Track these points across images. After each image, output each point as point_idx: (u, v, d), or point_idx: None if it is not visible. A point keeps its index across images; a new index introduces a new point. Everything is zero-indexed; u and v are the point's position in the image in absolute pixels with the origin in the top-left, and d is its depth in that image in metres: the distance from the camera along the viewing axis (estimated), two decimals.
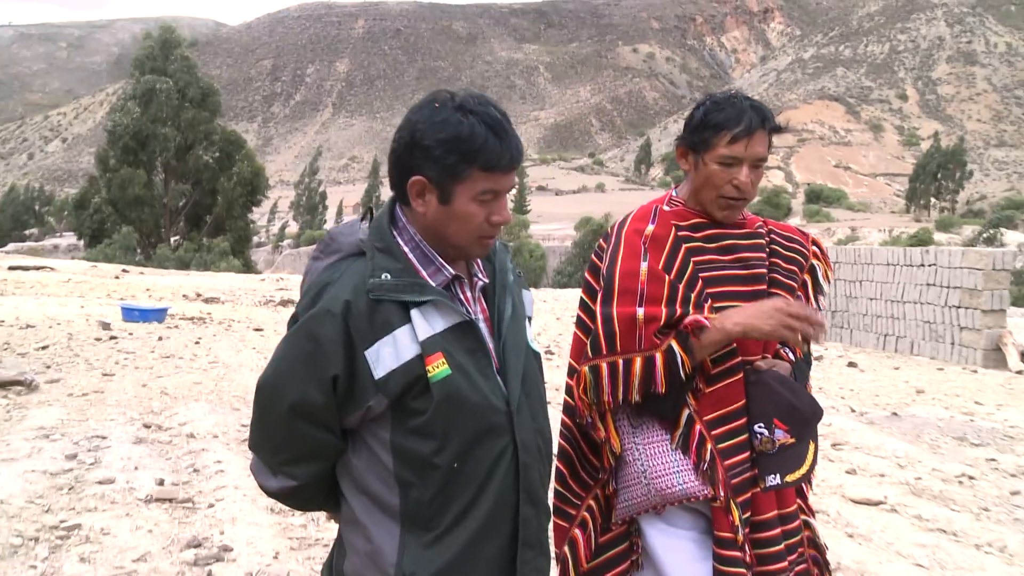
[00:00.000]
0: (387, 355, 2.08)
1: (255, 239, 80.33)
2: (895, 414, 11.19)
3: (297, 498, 2.29)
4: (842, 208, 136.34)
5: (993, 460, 8.82)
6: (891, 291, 18.63)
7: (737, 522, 2.67)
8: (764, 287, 2.85)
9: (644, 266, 2.71)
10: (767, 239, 2.95)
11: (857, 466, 8.59)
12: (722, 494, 2.65)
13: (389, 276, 2.12)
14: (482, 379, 2.20)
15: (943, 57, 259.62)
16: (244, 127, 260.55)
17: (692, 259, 2.77)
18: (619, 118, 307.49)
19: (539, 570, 2.32)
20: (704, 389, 2.70)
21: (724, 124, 2.72)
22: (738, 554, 2.65)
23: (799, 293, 2.90)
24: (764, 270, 2.88)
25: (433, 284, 2.20)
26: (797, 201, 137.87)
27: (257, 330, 16.98)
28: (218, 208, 54.56)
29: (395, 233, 2.25)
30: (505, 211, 2.27)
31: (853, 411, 11.38)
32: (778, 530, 2.76)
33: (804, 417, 2.72)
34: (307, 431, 2.13)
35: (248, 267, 50.59)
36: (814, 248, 3.06)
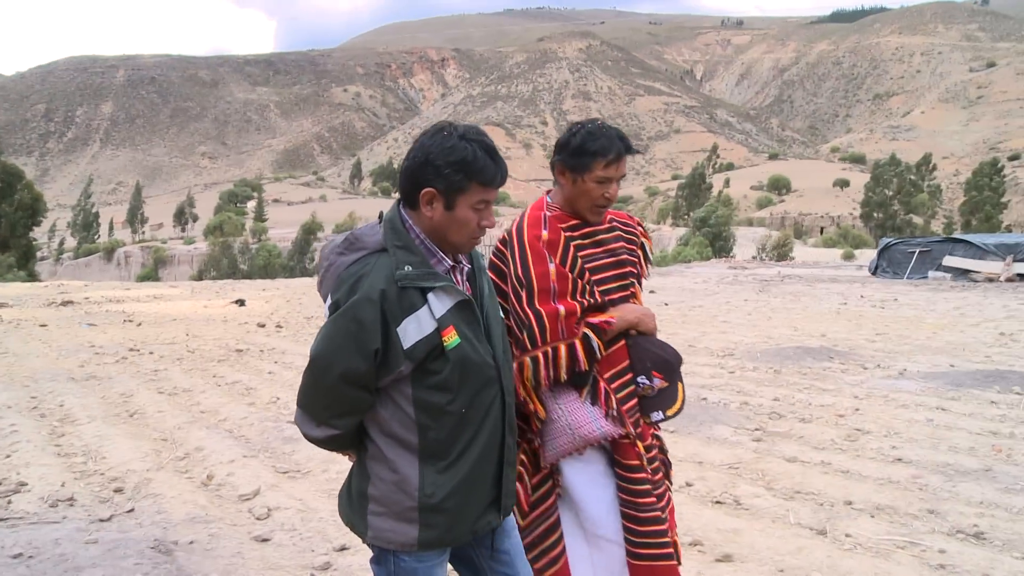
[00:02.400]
0: (412, 330, 2.24)
1: (39, 254, 76.23)
2: None
3: (335, 442, 2.39)
4: (507, 206, 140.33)
5: None
6: None
7: (642, 451, 2.84)
8: (628, 269, 2.99)
9: (552, 268, 2.79)
10: (613, 226, 3.04)
11: None
12: (632, 431, 2.83)
13: (411, 268, 2.28)
14: (479, 344, 2.39)
15: (569, 95, 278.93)
16: (23, 160, 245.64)
17: (579, 255, 2.87)
18: (335, 143, 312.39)
19: (513, 481, 2.54)
20: (599, 357, 2.81)
21: (600, 152, 2.81)
22: (643, 475, 2.82)
23: (638, 265, 3.08)
24: (626, 256, 3.00)
25: (439, 272, 2.36)
26: None
27: (42, 326, 16.09)
28: (2, 230, 52.41)
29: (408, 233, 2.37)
30: (491, 218, 2.42)
31: None
32: (655, 451, 2.97)
33: (672, 365, 2.91)
34: (351, 392, 2.28)
35: (32, 277, 47.97)
36: (640, 228, 3.16)
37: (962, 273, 24.23)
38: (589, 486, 2.89)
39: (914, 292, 20.78)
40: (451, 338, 2.32)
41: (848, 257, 47.25)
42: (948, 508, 5.26)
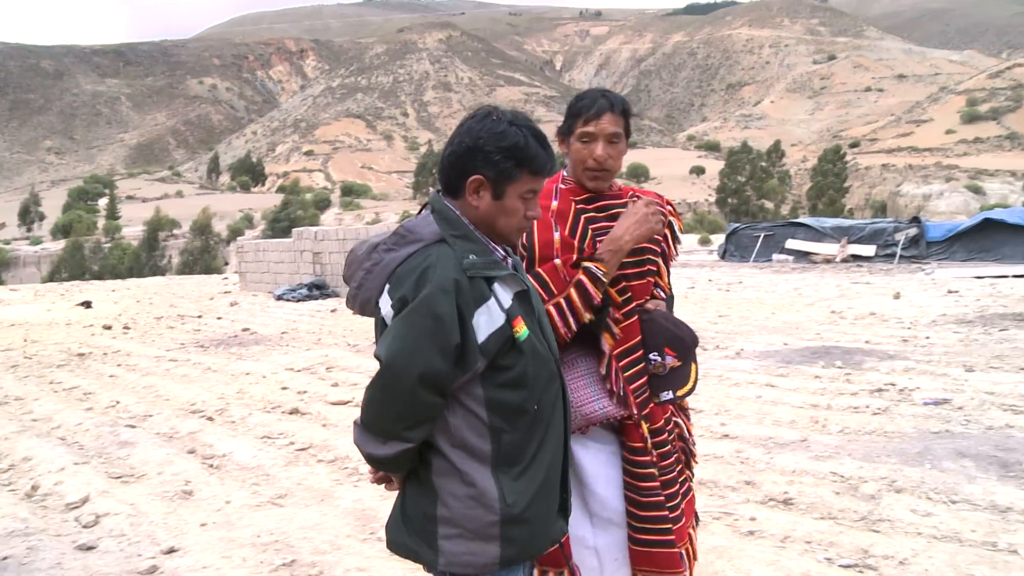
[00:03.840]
0: (484, 323, 2.08)
1: None
2: (376, 342, 13.90)
3: (400, 461, 2.15)
4: (369, 199, 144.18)
5: None
6: None
7: (646, 434, 2.71)
8: (646, 244, 2.81)
9: (556, 236, 2.69)
10: (635, 201, 2.84)
11: (340, 380, 9.40)
12: (636, 412, 2.68)
13: (475, 257, 2.12)
14: (542, 336, 2.25)
15: (430, 86, 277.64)
16: None
17: (590, 227, 2.75)
18: (191, 137, 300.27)
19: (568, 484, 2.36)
20: (616, 330, 2.69)
21: (581, 110, 2.75)
22: (647, 458, 2.69)
23: (663, 244, 2.92)
24: None
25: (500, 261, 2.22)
26: (335, 195, 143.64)
27: None
28: None
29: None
30: (538, 208, 2.29)
31: (348, 344, 12.15)
32: (666, 435, 2.79)
33: (687, 344, 2.76)
34: (428, 398, 2.06)
35: None
36: (668, 207, 3.00)
37: (803, 255, 25.43)
38: (599, 466, 2.75)
39: (758, 275, 21.72)
40: (521, 329, 2.16)
41: (704, 242, 48.73)
42: (763, 478, 5.60)
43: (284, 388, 9.25)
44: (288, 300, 20.58)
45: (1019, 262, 22.05)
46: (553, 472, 2.25)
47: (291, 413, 8.03)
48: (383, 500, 5.44)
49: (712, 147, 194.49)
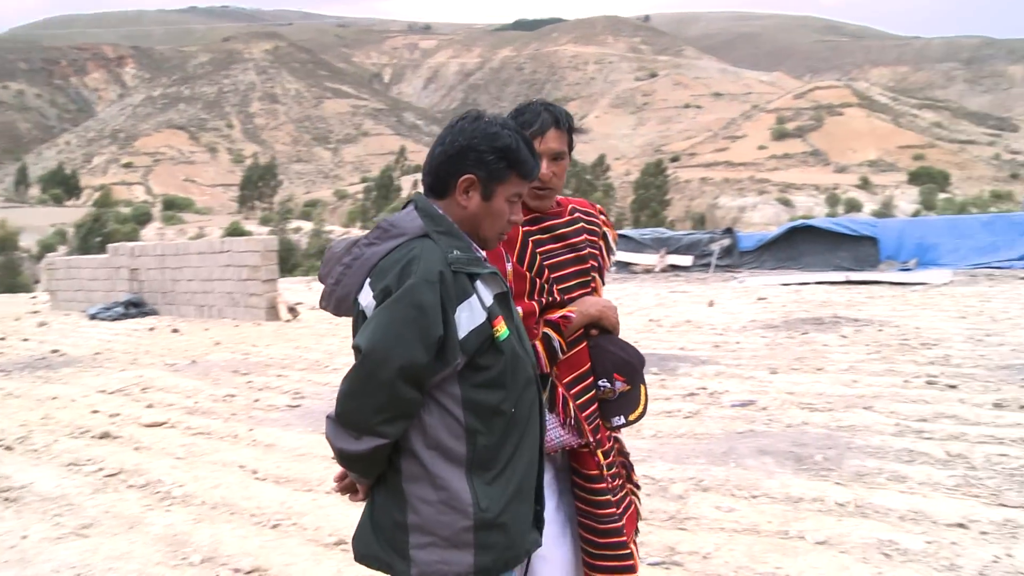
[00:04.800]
0: (465, 319, 2.05)
1: None
2: (194, 361, 11.57)
3: (373, 460, 2.07)
4: (192, 212, 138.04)
5: (251, 382, 9.79)
6: (203, 272, 18.88)
7: (601, 460, 2.66)
8: (590, 264, 2.81)
9: (509, 267, 2.60)
10: (576, 218, 2.86)
11: (155, 401, 9.05)
12: (592, 440, 2.63)
13: (459, 252, 2.10)
14: (521, 338, 2.22)
15: (256, 97, 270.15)
16: None
17: (537, 251, 2.70)
18: None
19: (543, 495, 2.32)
20: (561, 357, 2.63)
21: (523, 125, 2.64)
22: (603, 485, 2.65)
23: (600, 257, 2.88)
24: (587, 250, 2.82)
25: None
26: (156, 209, 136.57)
27: None
28: None
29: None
30: (520, 213, 2.31)
31: (166, 364, 11.67)
32: (613, 455, 2.76)
33: (635, 367, 2.73)
34: (406, 391, 2.00)
35: None
36: (602, 218, 2.99)
37: (624, 266, 26.16)
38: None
39: None
40: (502, 329, 2.12)
41: None
42: None
43: (95, 412, 8.79)
44: (103, 319, 19.62)
45: (821, 269, 23.41)
46: (528, 479, 2.20)
47: (101, 437, 7.63)
48: (196, 523, 5.25)
49: None
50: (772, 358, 10.24)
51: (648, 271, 25.45)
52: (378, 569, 2.17)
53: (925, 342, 10.82)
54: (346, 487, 2.27)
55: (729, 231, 27.58)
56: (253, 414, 8.28)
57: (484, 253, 2.27)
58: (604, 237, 2.97)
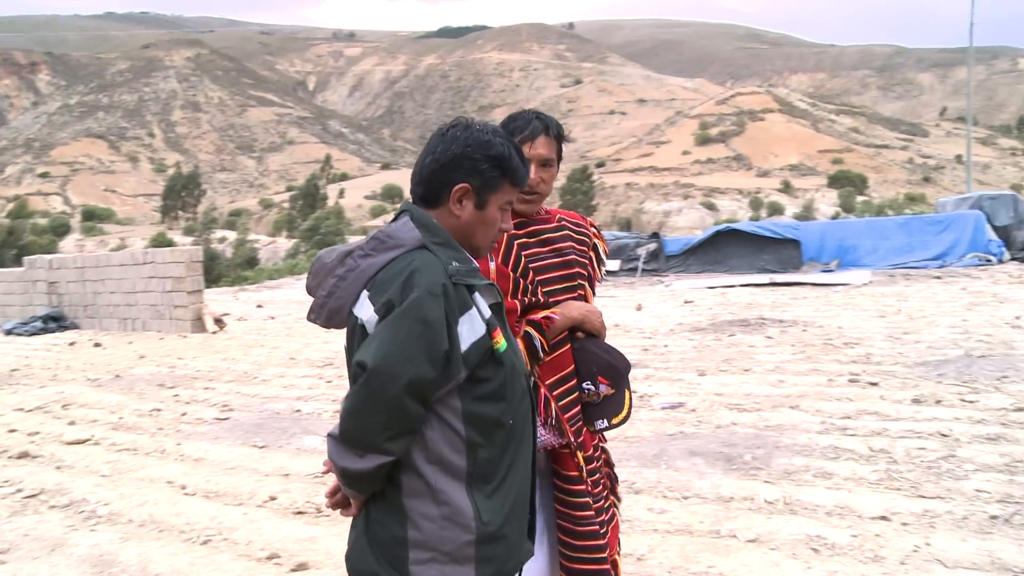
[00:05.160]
0: (466, 331, 2.02)
1: None
2: (118, 376, 11.34)
3: (375, 477, 2.02)
4: (113, 223, 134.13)
5: (178, 396, 9.62)
6: (126, 285, 18.54)
7: (581, 462, 2.68)
8: (575, 270, 2.84)
9: (492, 266, 2.64)
10: (563, 225, 2.91)
11: (77, 418, 8.81)
12: (573, 440, 2.66)
13: (458, 264, 2.08)
14: (515, 349, 2.21)
15: (178, 105, 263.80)
16: None
17: (523, 253, 2.73)
18: None
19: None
20: (544, 359, 2.65)
21: (514, 131, 2.71)
22: (582, 487, 2.67)
23: (589, 268, 2.92)
24: (573, 256, 2.85)
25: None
26: (75, 220, 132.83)
27: None
28: None
29: None
30: (511, 221, 2.31)
31: (88, 379, 11.35)
32: (597, 463, 2.80)
33: (619, 372, 2.73)
34: (413, 407, 1.97)
35: None
36: (592, 229, 3.03)
37: None
38: None
39: None
40: (500, 341, 2.09)
41: None
42: None
43: (12, 431, 8.46)
44: (20, 334, 18.93)
45: (746, 272, 23.81)
46: (524, 489, 2.18)
47: (19, 457, 7.37)
48: (123, 543, 5.14)
49: None
50: (700, 360, 10.39)
51: None
52: None
53: (847, 341, 11.08)
54: (338, 502, 2.22)
55: (655, 235, 27.91)
56: (181, 428, 8.16)
57: (476, 262, 2.25)
58: (595, 248, 3.00)
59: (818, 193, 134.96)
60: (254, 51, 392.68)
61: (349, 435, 2.01)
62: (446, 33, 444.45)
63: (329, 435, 2.09)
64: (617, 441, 6.81)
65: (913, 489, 5.32)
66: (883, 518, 4.84)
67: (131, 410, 9.07)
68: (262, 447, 7.12)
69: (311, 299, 2.23)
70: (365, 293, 2.07)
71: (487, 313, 2.09)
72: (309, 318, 2.23)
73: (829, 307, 15.27)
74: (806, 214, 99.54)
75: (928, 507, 4.97)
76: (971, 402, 7.47)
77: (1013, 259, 23.37)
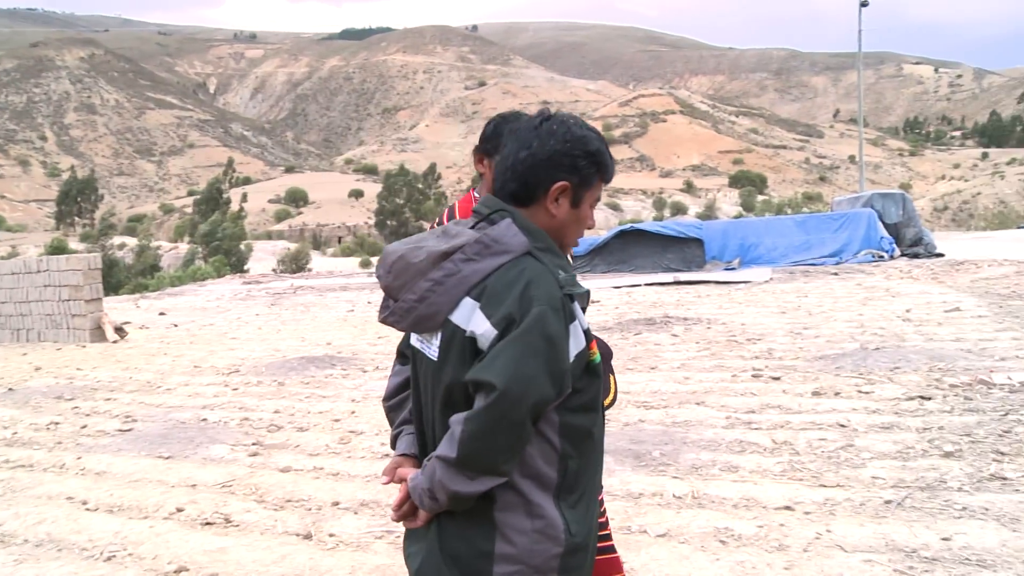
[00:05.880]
0: (572, 344, 1.94)
1: None
2: (11, 389, 10.85)
3: (476, 498, 1.93)
4: (3, 231, 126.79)
5: (77, 408, 9.21)
6: (19, 294, 17.89)
7: None
8: None
9: None
10: None
11: None
12: None
13: (564, 274, 1.98)
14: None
15: (71, 107, 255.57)
16: None
17: None
18: None
19: None
20: None
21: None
22: None
23: None
24: None
25: None
26: None
27: None
28: None
29: None
30: (593, 218, 2.21)
31: None
32: None
33: (604, 356, 2.47)
34: (528, 428, 1.89)
35: None
36: None
37: None
38: None
39: None
40: (595, 352, 2.03)
41: (365, 265, 49.07)
42: None
43: None
44: None
45: (650, 271, 24.17)
46: (596, 498, 2.14)
47: None
48: (17, 565, 4.93)
49: (370, 170, 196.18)
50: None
51: None
52: None
53: (750, 337, 11.35)
54: (405, 514, 2.10)
55: None
56: (81, 441, 7.86)
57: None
58: None
59: (720, 193, 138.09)
60: (152, 52, 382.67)
61: (469, 458, 1.90)
62: (349, 35, 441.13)
63: (438, 458, 1.95)
64: None
65: (814, 479, 5.48)
66: (787, 508, 4.98)
67: (26, 424, 8.70)
68: (168, 458, 6.94)
69: (387, 296, 2.13)
70: (471, 302, 1.96)
71: (585, 323, 2.03)
72: (387, 320, 2.12)
73: (732, 304, 15.58)
74: (709, 213, 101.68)
75: (829, 495, 5.13)
76: (867, 393, 7.73)
77: (903, 255, 24.32)
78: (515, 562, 1.96)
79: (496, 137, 2.87)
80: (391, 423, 2.33)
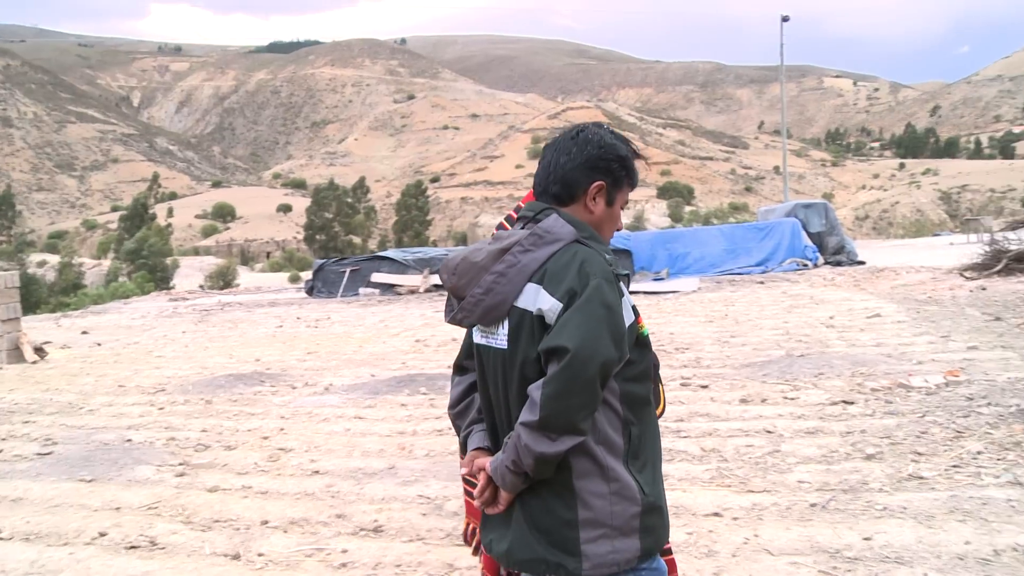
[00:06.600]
0: (625, 316, 2.14)
1: None
2: None
3: (558, 461, 2.10)
4: None
5: None
6: None
7: None
8: None
9: None
10: None
11: None
12: None
13: (608, 256, 2.19)
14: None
15: None
16: None
17: None
18: None
19: None
20: None
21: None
22: None
23: None
24: None
25: None
26: None
27: None
28: None
29: None
30: (621, 220, 2.44)
31: None
32: None
33: (654, 364, 2.56)
34: (599, 388, 2.07)
35: None
36: None
37: (388, 287, 26.10)
38: None
39: (346, 309, 21.89)
40: (644, 325, 2.25)
41: (294, 280, 48.49)
42: (354, 510, 5.62)
43: None
44: None
45: None
46: (660, 462, 2.33)
47: None
48: None
49: (298, 185, 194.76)
50: None
51: (413, 292, 25.51)
52: (544, 572, 2.19)
53: (679, 346, 11.49)
54: (487, 500, 2.27)
55: None
56: None
57: None
58: None
59: (648, 204, 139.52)
60: (72, 64, 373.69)
61: (549, 419, 2.06)
62: (277, 48, 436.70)
63: (521, 424, 2.11)
64: (458, 454, 6.83)
65: (742, 485, 5.57)
66: (715, 514, 5.05)
67: None
68: (90, 481, 6.75)
69: (454, 299, 2.35)
70: (534, 286, 2.17)
71: (631, 300, 2.23)
72: (455, 319, 2.32)
73: (661, 314, 15.73)
74: (637, 224, 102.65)
75: (756, 501, 5.22)
76: (792, 399, 7.88)
77: (826, 263, 24.85)
78: (598, 526, 2.14)
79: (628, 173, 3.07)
80: (457, 429, 2.52)
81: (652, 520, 2.21)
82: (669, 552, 2.86)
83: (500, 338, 2.24)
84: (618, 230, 2.46)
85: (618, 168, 2.36)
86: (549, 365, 2.09)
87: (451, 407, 2.54)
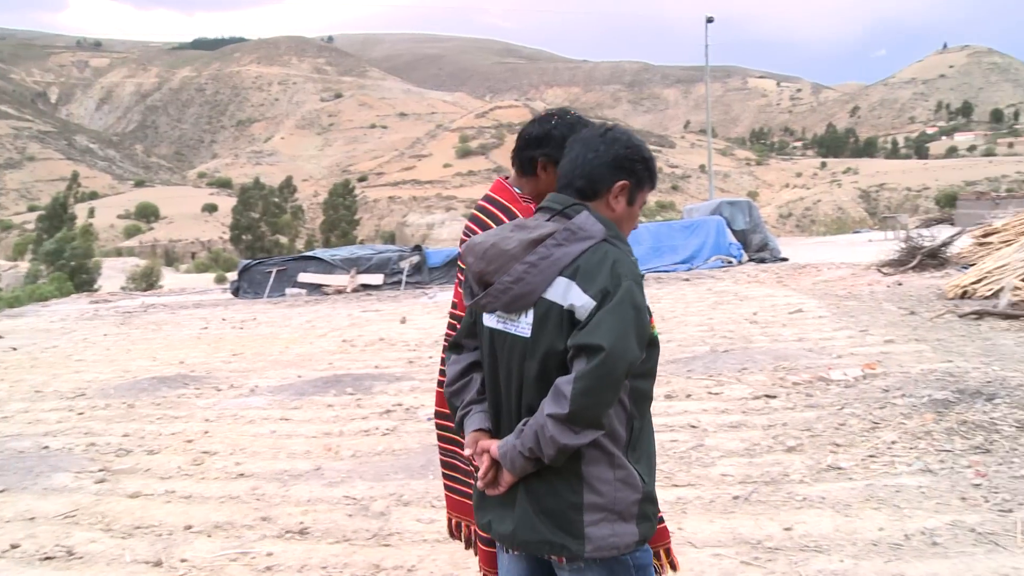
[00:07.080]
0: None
1: None
2: None
3: (572, 452, 2.18)
4: None
5: None
6: None
7: None
8: None
9: None
10: None
11: None
12: None
13: (633, 257, 2.27)
14: None
15: None
16: None
17: None
18: None
19: None
20: None
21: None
22: None
23: None
24: None
25: None
26: None
27: None
28: None
29: None
30: (638, 220, 2.50)
31: None
32: None
33: None
34: (621, 387, 2.16)
35: None
36: None
37: (316, 288, 25.83)
38: None
39: (273, 310, 21.60)
40: (655, 326, 2.31)
41: (220, 280, 47.66)
42: (279, 512, 5.57)
43: None
44: None
45: None
46: (654, 461, 2.39)
47: None
48: None
49: (224, 184, 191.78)
50: None
51: (340, 292, 25.27)
52: (550, 553, 2.27)
53: None
54: (489, 482, 2.33)
55: (418, 248, 27.96)
56: None
57: None
58: None
59: None
60: None
61: (579, 413, 2.12)
62: (201, 45, 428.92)
63: (549, 416, 2.15)
64: (384, 455, 6.84)
65: (667, 479, 5.65)
66: None
67: None
68: (2, 491, 6.56)
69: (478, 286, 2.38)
70: (565, 280, 2.20)
71: (647, 301, 2.27)
72: (479, 303, 2.35)
73: None
74: None
75: (681, 495, 5.31)
76: (716, 394, 8.02)
77: (750, 260, 25.30)
78: (602, 510, 2.22)
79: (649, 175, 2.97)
80: (453, 408, 2.53)
81: (650, 508, 2.31)
82: (661, 520, 3.09)
83: (522, 326, 2.28)
84: (634, 228, 2.51)
85: (642, 169, 2.42)
86: (577, 360, 2.15)
87: (448, 385, 2.55)
